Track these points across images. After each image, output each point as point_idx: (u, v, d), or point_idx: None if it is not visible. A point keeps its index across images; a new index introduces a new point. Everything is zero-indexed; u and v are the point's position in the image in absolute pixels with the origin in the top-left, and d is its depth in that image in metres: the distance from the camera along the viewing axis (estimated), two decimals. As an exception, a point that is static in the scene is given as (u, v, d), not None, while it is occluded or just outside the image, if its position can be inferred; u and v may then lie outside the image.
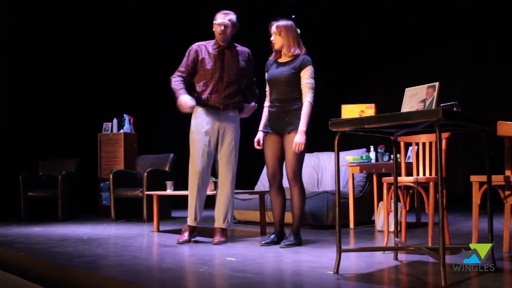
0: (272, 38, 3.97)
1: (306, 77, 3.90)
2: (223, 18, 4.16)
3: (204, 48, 4.23)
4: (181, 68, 4.24)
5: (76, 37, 8.02)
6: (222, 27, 4.14)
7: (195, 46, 4.27)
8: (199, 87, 4.20)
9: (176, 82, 4.17)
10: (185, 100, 4.04)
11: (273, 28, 3.97)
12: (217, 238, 4.12)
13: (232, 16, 4.21)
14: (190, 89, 4.22)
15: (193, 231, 4.24)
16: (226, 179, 4.16)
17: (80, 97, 8.07)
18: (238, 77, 4.20)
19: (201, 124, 4.16)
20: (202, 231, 4.68)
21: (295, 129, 3.84)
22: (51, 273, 3.23)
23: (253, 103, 4.35)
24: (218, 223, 4.17)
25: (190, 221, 4.20)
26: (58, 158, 7.35)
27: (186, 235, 4.18)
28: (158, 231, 5.23)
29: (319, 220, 5.22)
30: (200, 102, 4.17)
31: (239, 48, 4.29)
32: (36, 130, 7.66)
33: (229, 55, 4.21)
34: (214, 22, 4.17)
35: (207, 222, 4.95)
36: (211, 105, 4.15)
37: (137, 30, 8.51)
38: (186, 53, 4.26)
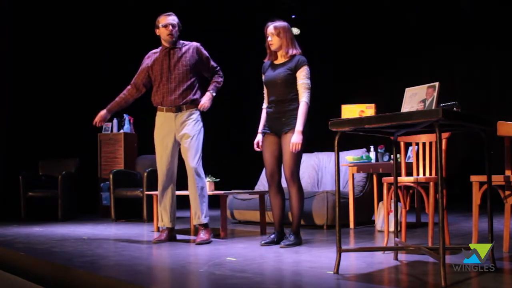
0: (270, 39, 3.97)
1: (302, 78, 3.90)
2: (169, 19, 4.21)
3: (153, 55, 4.33)
4: (134, 79, 4.42)
5: (76, 37, 8.02)
6: (170, 27, 4.19)
7: (147, 55, 4.38)
8: (153, 93, 4.30)
9: (122, 93, 4.47)
10: (99, 114, 4.45)
11: (271, 29, 3.96)
12: (199, 237, 4.14)
13: (175, 16, 4.26)
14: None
15: (170, 232, 4.32)
16: (189, 176, 4.19)
17: (80, 97, 8.06)
18: (187, 74, 4.20)
19: (158, 129, 4.28)
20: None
21: (292, 129, 3.85)
22: (51, 273, 3.23)
23: (207, 93, 4.30)
24: (192, 220, 4.23)
25: (159, 222, 4.36)
26: (58, 158, 7.35)
27: (163, 236, 4.26)
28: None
29: (319, 220, 5.22)
30: (156, 106, 4.28)
31: (186, 45, 4.29)
32: (36, 130, 7.66)
33: (174, 55, 4.23)
34: (160, 25, 4.21)
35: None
36: (165, 108, 4.22)
37: (137, 30, 8.50)
38: (141, 63, 4.40)
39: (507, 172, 3.40)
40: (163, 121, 4.25)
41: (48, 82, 7.83)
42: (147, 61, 4.36)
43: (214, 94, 4.32)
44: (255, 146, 4.12)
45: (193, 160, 4.15)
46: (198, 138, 4.20)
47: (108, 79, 8.23)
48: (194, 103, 4.23)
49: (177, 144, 4.25)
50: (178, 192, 4.39)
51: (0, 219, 6.64)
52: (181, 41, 4.30)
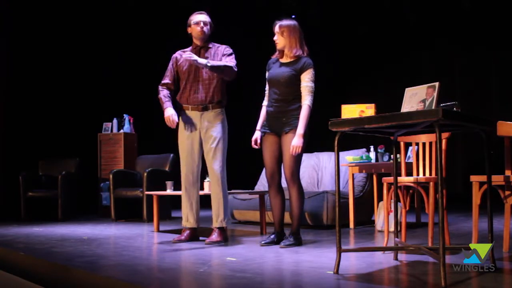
0: (275, 37, 3.97)
1: (306, 80, 3.89)
2: (201, 17, 4.20)
3: (182, 53, 4.25)
4: (166, 79, 4.28)
5: (76, 36, 8.02)
6: (202, 24, 4.17)
7: (174, 54, 4.32)
8: (179, 92, 4.25)
9: (163, 93, 4.24)
10: (170, 115, 4.10)
11: (276, 28, 3.97)
12: (210, 238, 4.11)
13: (206, 15, 4.24)
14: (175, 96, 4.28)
15: (193, 232, 4.27)
16: (213, 178, 4.18)
17: (80, 97, 8.07)
18: (215, 74, 4.16)
19: (183, 127, 4.22)
20: (203, 231, 4.68)
21: (293, 129, 3.84)
22: (51, 273, 3.23)
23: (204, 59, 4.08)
24: (213, 223, 4.20)
25: (183, 222, 4.28)
26: (58, 158, 7.35)
27: (183, 236, 4.23)
28: (158, 231, 5.23)
29: (319, 220, 5.22)
30: (181, 105, 4.22)
31: (216, 45, 4.28)
32: (36, 130, 7.66)
33: (204, 54, 4.20)
34: (191, 22, 4.20)
35: (207, 222, 4.95)
36: (191, 107, 4.19)
37: (137, 30, 8.51)
38: (169, 64, 4.32)
39: (507, 172, 3.40)
40: (188, 120, 4.19)
41: (48, 82, 7.83)
42: (177, 58, 4.28)
43: (209, 64, 4.00)
44: (252, 143, 4.12)
45: (218, 163, 4.14)
46: (224, 140, 4.19)
47: (107, 79, 8.25)
48: (221, 104, 4.20)
49: (201, 143, 4.21)
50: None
51: (0, 219, 6.64)
52: (212, 42, 4.28)
